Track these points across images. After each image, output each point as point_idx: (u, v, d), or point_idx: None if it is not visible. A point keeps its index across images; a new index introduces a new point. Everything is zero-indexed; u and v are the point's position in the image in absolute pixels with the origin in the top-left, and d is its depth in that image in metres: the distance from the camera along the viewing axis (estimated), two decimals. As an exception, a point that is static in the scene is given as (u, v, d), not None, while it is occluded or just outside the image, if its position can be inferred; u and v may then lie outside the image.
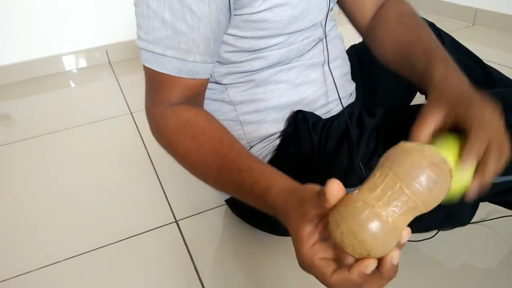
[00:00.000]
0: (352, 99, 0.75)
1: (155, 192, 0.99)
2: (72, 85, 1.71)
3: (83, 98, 1.57)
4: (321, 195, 0.34)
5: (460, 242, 0.77)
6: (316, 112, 0.68)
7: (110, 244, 0.84)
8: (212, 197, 0.94)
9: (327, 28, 0.69)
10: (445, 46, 0.74)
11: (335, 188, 0.34)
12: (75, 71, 1.83)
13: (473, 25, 1.89)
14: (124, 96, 1.50)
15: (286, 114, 0.67)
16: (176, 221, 0.88)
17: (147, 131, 1.17)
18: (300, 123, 0.66)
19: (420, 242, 0.74)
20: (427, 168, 0.31)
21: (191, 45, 0.52)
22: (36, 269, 0.80)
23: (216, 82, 0.65)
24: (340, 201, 0.34)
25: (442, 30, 0.84)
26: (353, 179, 0.59)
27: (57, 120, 1.38)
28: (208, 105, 0.66)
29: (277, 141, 0.68)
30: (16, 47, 1.73)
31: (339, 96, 0.69)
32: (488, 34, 1.78)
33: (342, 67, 0.72)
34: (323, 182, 0.53)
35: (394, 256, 0.33)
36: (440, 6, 2.03)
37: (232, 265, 0.76)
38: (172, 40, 0.52)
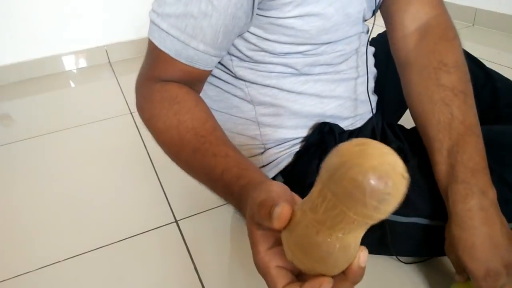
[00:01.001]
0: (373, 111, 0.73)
1: (155, 192, 0.99)
2: (72, 85, 1.71)
3: (83, 98, 1.57)
4: (270, 217, 0.31)
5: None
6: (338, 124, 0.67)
7: (110, 244, 0.84)
8: (212, 197, 0.94)
9: (362, 42, 0.66)
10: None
11: (283, 215, 0.31)
12: (75, 71, 1.83)
13: (473, 25, 1.89)
14: (124, 96, 1.50)
15: (307, 122, 0.65)
16: (176, 221, 0.88)
17: (147, 131, 1.17)
18: (327, 136, 0.64)
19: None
20: (369, 188, 0.25)
21: (198, 32, 0.50)
22: (36, 269, 0.80)
23: (238, 78, 0.62)
24: (289, 221, 0.31)
25: None
26: None
27: (57, 120, 1.38)
28: (227, 100, 0.64)
29: (295, 148, 0.66)
30: (16, 47, 1.73)
31: (371, 107, 0.68)
32: (488, 34, 1.78)
33: (370, 82, 0.70)
34: None
35: (362, 258, 0.30)
36: (440, 6, 2.02)
37: (232, 265, 0.76)
38: (180, 20, 0.49)
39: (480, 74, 0.74)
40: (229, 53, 0.60)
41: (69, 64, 1.84)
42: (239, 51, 0.59)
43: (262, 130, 0.65)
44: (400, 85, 0.67)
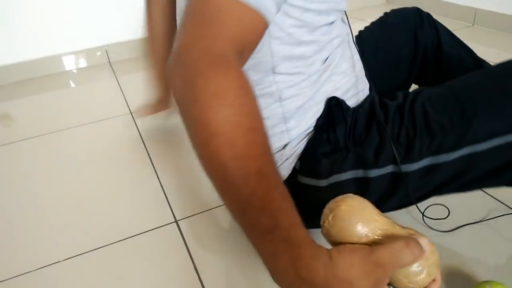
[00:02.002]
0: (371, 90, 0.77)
1: (155, 192, 0.99)
2: (72, 85, 1.71)
3: (83, 98, 1.57)
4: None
5: (462, 243, 0.77)
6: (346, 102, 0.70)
7: (110, 244, 0.84)
8: (212, 197, 0.94)
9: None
10: (440, 37, 0.82)
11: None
12: (75, 71, 1.83)
13: (473, 25, 1.89)
14: (124, 96, 1.50)
15: (323, 106, 0.67)
16: (176, 221, 0.88)
17: (147, 131, 1.16)
18: (334, 108, 0.66)
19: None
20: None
21: None
22: (36, 269, 0.80)
23: (268, 70, 0.62)
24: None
25: (438, 22, 0.86)
26: (384, 156, 0.60)
27: (57, 120, 1.38)
28: None
29: (311, 134, 0.68)
30: (16, 47, 1.73)
31: (369, 80, 0.72)
32: (488, 34, 1.78)
33: (360, 61, 0.74)
34: (352, 165, 0.59)
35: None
36: (440, 6, 2.03)
37: (232, 265, 0.76)
38: None
39: (472, 63, 0.79)
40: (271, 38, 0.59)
41: (69, 64, 1.84)
42: (282, 29, 0.59)
43: (288, 125, 0.66)
44: (391, 75, 0.73)
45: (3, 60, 1.73)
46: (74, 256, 0.82)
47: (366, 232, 0.40)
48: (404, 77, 0.90)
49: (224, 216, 0.89)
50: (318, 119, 0.67)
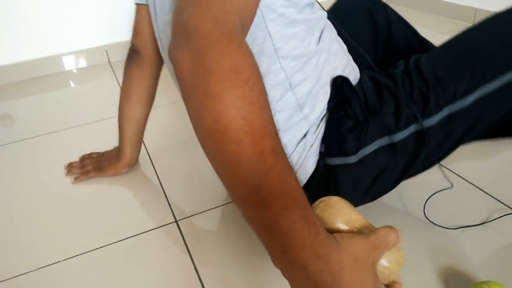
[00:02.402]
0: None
1: (155, 192, 0.99)
2: (72, 85, 1.71)
3: (83, 98, 1.57)
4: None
5: (462, 243, 0.77)
6: None
7: (110, 244, 0.84)
8: (212, 197, 0.94)
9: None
10: (392, 24, 0.87)
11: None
12: (75, 71, 1.83)
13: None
14: (124, 96, 1.50)
15: (329, 88, 0.69)
16: (176, 221, 0.88)
17: (147, 131, 1.16)
18: (342, 86, 0.69)
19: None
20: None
21: None
22: (36, 269, 0.80)
23: (273, 53, 0.62)
24: None
25: (389, 7, 0.92)
26: (404, 118, 0.64)
27: (57, 120, 1.38)
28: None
29: (327, 116, 0.70)
30: (16, 47, 1.73)
31: (369, 59, 0.76)
32: (488, 34, 1.78)
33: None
34: (377, 134, 0.64)
35: None
36: (440, 6, 2.03)
37: (232, 265, 0.76)
38: None
39: (417, 44, 0.85)
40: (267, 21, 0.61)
41: (69, 64, 1.84)
42: (274, 10, 0.61)
43: (304, 112, 0.67)
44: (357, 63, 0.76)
45: (3, 60, 1.73)
46: (74, 256, 0.82)
47: (352, 221, 0.44)
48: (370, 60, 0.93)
49: (224, 216, 0.89)
50: (329, 102, 0.69)
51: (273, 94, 0.64)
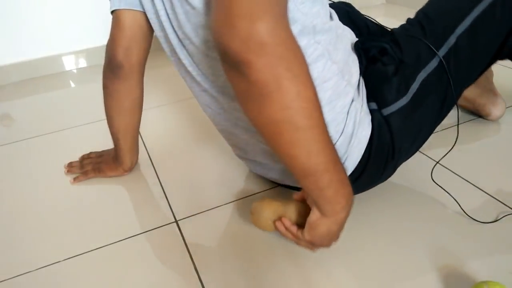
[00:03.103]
0: None
1: (155, 192, 0.99)
2: (72, 85, 1.71)
3: (83, 98, 1.57)
4: None
5: (468, 244, 0.77)
6: None
7: (110, 244, 0.84)
8: (212, 197, 0.94)
9: None
10: (368, 23, 0.94)
11: None
12: (75, 71, 1.83)
13: (473, 25, 1.88)
14: (124, 96, 1.50)
15: (352, 53, 0.75)
16: (176, 221, 0.88)
17: (146, 131, 1.16)
18: (366, 45, 0.77)
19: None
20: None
21: None
22: (36, 269, 0.80)
23: (309, 30, 0.64)
24: None
25: (353, 7, 0.98)
26: (425, 55, 0.76)
27: (57, 120, 1.38)
28: (313, 70, 0.64)
29: (361, 77, 0.76)
30: (16, 47, 1.73)
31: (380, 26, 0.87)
32: (488, 34, 1.77)
33: None
34: (415, 70, 0.76)
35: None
36: (440, 6, 2.02)
37: (232, 265, 0.76)
38: None
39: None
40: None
41: (69, 64, 1.84)
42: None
43: (346, 78, 0.71)
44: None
45: (3, 60, 1.73)
46: (74, 256, 0.82)
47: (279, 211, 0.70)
48: None
49: (224, 216, 0.89)
50: (360, 64, 0.76)
51: (318, 65, 0.67)
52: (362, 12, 0.97)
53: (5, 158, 1.20)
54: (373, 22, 0.96)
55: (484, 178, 0.92)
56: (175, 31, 0.70)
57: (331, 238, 0.64)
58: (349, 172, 0.75)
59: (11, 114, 1.49)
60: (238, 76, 0.48)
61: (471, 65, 0.80)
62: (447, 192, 0.86)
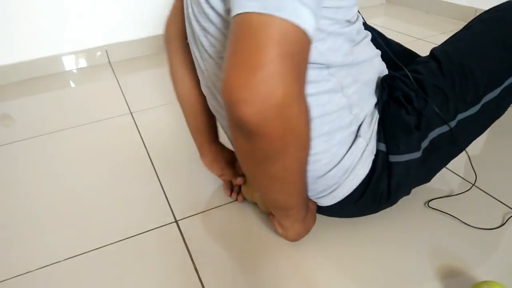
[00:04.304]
0: None
1: (155, 192, 0.99)
2: (72, 85, 1.71)
3: (83, 98, 1.57)
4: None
5: (468, 244, 0.77)
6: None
7: (110, 244, 0.84)
8: (212, 197, 0.94)
9: None
10: (383, 39, 0.91)
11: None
12: (75, 71, 1.83)
13: (473, 25, 1.88)
14: (124, 96, 1.50)
15: (373, 87, 0.72)
16: (176, 221, 0.88)
17: (147, 131, 1.16)
18: (395, 83, 0.73)
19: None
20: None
21: None
22: (36, 269, 0.80)
23: (322, 65, 0.62)
24: None
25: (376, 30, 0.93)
26: (451, 109, 0.72)
27: (57, 120, 1.38)
28: (317, 101, 0.64)
29: (375, 113, 0.72)
30: (16, 47, 1.73)
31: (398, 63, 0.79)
32: (488, 34, 1.78)
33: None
34: (435, 126, 0.72)
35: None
36: (440, 6, 2.03)
37: (232, 265, 0.76)
38: None
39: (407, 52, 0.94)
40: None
41: (69, 64, 1.84)
42: (322, 31, 0.59)
43: (354, 112, 0.68)
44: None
45: (3, 60, 1.73)
46: (74, 256, 0.82)
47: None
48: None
49: (224, 216, 0.89)
50: (378, 101, 0.73)
51: (324, 98, 0.64)
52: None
53: (5, 158, 1.20)
54: (399, 45, 0.94)
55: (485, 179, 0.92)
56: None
57: (298, 237, 0.77)
58: (336, 200, 0.73)
59: (11, 114, 1.49)
60: (245, 139, 0.48)
61: (484, 128, 0.79)
62: (448, 214, 0.86)
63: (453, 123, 0.72)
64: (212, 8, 0.60)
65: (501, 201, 0.85)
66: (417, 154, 0.71)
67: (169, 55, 0.87)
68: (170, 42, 0.85)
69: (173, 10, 0.83)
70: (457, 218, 0.81)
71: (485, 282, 0.62)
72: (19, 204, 0.99)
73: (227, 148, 0.94)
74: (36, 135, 1.30)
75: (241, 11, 0.44)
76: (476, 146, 1.03)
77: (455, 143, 0.75)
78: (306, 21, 0.44)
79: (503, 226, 0.79)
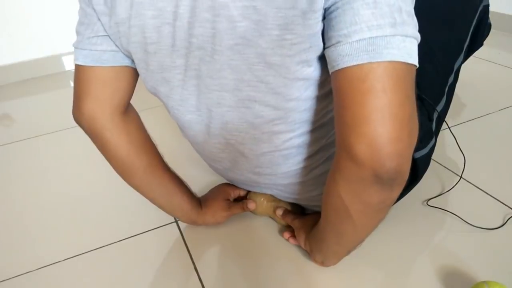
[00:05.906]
0: None
1: (155, 192, 0.98)
2: (72, 85, 1.71)
3: (83, 98, 1.57)
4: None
5: (468, 244, 0.77)
6: None
7: (110, 244, 0.84)
8: (212, 197, 0.94)
9: None
10: None
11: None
12: (75, 71, 1.83)
13: (473, 25, 1.88)
14: (124, 96, 1.50)
15: None
16: (176, 221, 0.88)
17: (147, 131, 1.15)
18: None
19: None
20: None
21: None
22: (36, 269, 0.80)
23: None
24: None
25: None
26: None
27: (57, 120, 1.38)
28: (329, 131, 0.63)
29: None
30: (16, 47, 1.73)
31: None
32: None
33: None
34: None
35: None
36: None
37: (232, 265, 0.76)
38: None
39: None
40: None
41: (69, 64, 1.84)
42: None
43: None
44: None
45: (3, 60, 1.73)
46: (74, 256, 0.82)
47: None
48: None
49: (224, 216, 0.88)
50: None
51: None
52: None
53: (5, 158, 1.20)
54: None
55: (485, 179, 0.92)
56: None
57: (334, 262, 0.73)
58: None
59: (11, 114, 1.49)
60: (384, 191, 0.46)
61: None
62: (449, 212, 0.85)
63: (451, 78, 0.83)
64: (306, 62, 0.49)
65: (502, 201, 0.85)
66: (433, 141, 0.74)
67: (104, 141, 0.73)
68: (99, 122, 0.69)
69: (97, 85, 0.66)
70: (457, 216, 0.81)
71: (485, 282, 0.62)
72: (19, 204, 0.99)
73: (211, 194, 0.86)
74: (36, 135, 1.30)
75: (382, 60, 0.41)
76: (476, 147, 1.03)
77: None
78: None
79: (503, 226, 0.79)
